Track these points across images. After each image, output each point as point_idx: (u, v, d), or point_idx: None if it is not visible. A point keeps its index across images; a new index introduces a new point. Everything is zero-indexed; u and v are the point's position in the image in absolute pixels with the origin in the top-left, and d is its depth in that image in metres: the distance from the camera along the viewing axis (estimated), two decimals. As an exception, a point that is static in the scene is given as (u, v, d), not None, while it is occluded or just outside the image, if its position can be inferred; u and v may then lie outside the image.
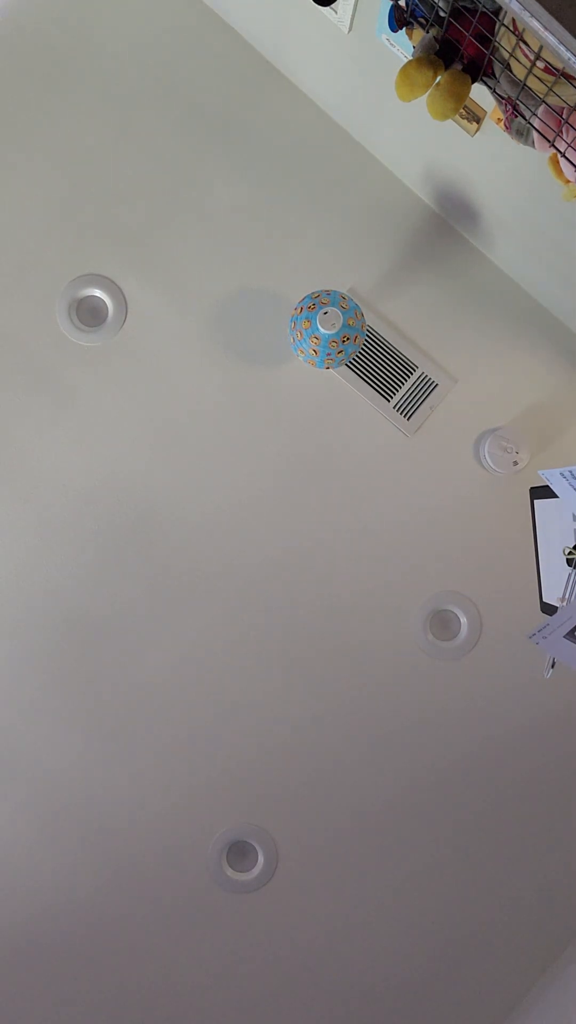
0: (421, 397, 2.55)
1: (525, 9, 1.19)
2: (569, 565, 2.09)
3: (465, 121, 1.97)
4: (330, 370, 2.54)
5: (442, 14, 1.50)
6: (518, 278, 2.54)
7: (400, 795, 2.55)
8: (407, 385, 2.54)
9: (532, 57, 1.38)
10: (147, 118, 2.50)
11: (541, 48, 1.36)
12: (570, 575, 2.06)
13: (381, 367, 2.53)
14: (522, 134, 1.62)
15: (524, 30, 1.36)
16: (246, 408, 2.53)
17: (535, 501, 2.41)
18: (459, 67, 1.55)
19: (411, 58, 1.57)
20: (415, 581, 2.55)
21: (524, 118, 1.52)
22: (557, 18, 1.19)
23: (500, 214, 2.28)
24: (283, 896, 2.53)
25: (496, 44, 1.46)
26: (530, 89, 1.46)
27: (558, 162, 1.59)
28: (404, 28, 1.61)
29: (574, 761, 2.57)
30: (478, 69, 1.54)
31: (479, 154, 2.09)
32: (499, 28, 1.44)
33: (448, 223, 2.56)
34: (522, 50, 1.40)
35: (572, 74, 1.36)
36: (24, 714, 2.49)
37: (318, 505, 2.54)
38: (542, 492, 2.36)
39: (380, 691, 2.54)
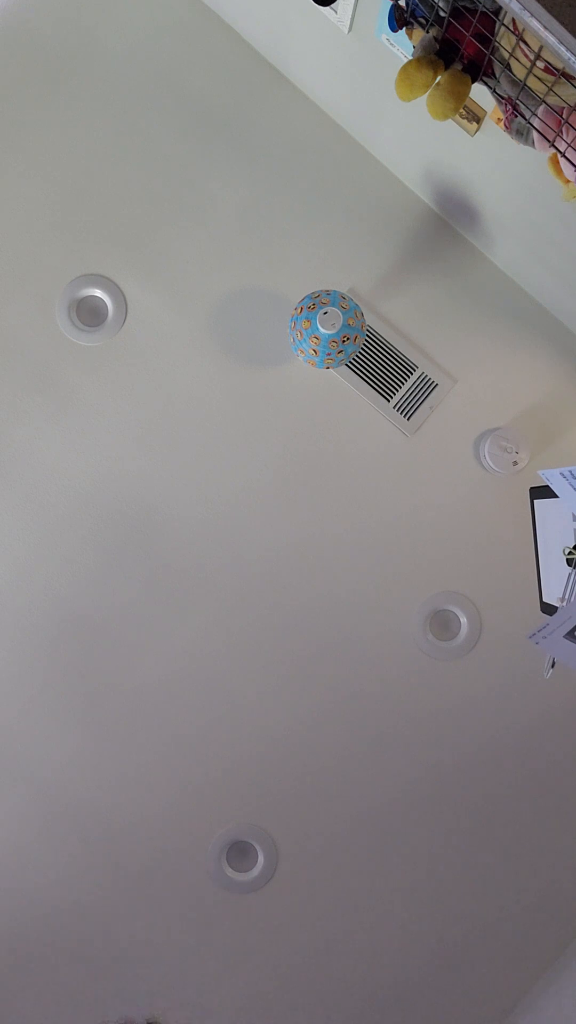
0: (421, 397, 2.55)
1: (525, 9, 1.19)
2: (569, 565, 2.09)
3: (465, 121, 1.97)
4: (330, 370, 2.54)
5: (442, 14, 1.50)
6: (518, 278, 2.54)
7: (400, 795, 2.55)
8: (407, 385, 2.54)
9: (532, 57, 1.38)
10: (147, 118, 2.50)
11: (541, 48, 1.36)
12: (570, 575, 2.06)
13: (381, 367, 2.53)
14: (522, 134, 1.62)
15: (524, 30, 1.36)
16: (246, 408, 2.53)
17: (535, 501, 2.41)
18: (459, 67, 1.55)
19: (411, 58, 1.57)
20: (415, 581, 2.55)
21: (524, 118, 1.52)
22: (557, 18, 1.19)
23: (500, 214, 2.28)
24: (283, 896, 2.53)
25: (496, 44, 1.46)
26: (530, 89, 1.46)
27: (558, 162, 1.59)
28: (404, 28, 1.61)
29: (574, 761, 2.57)
30: (478, 69, 1.54)
31: (479, 154, 2.09)
32: (499, 28, 1.44)
33: (448, 223, 2.56)
34: (522, 50, 1.40)
35: (572, 74, 1.36)
36: (23, 714, 2.49)
37: (318, 505, 2.54)
38: (542, 492, 2.36)
39: (380, 691, 2.54)
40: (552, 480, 1.99)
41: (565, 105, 1.44)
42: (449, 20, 1.49)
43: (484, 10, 1.42)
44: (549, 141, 1.49)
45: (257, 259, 2.53)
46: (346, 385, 2.54)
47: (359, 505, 2.54)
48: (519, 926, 2.57)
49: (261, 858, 2.51)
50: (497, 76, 1.52)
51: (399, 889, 2.55)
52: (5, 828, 2.49)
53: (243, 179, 2.52)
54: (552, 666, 1.97)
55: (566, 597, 2.08)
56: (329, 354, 2.28)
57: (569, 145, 1.46)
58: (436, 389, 2.55)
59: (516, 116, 1.58)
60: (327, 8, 1.99)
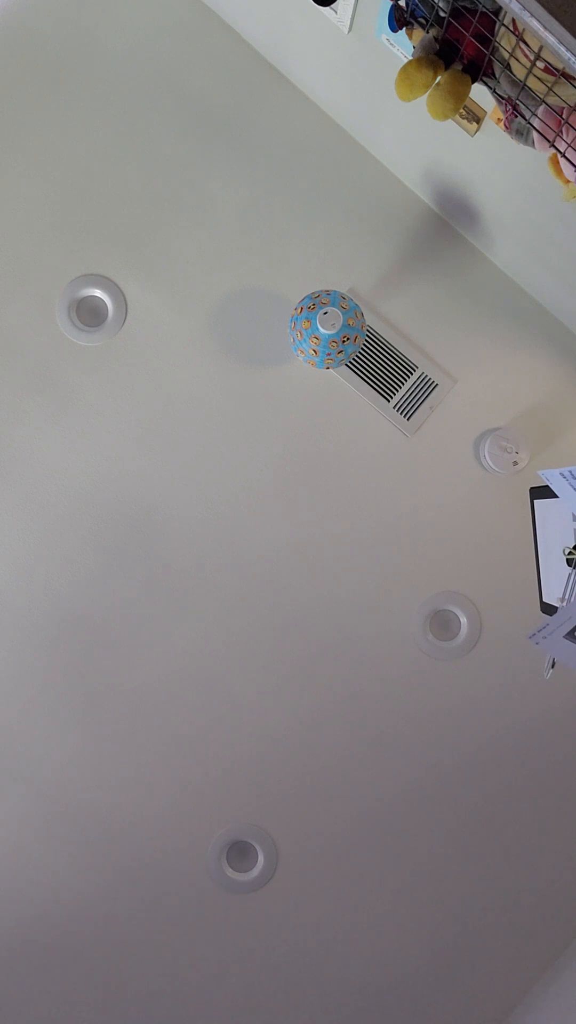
0: (421, 397, 2.55)
1: (525, 9, 1.19)
2: (569, 565, 2.09)
3: (465, 121, 1.97)
4: (330, 370, 2.54)
5: (442, 14, 1.50)
6: (518, 278, 2.54)
7: (400, 795, 2.55)
8: (407, 385, 2.54)
9: (532, 57, 1.38)
10: (147, 118, 2.50)
11: (541, 48, 1.36)
12: (570, 575, 2.06)
13: (381, 367, 2.53)
14: (522, 134, 1.62)
15: (524, 30, 1.36)
16: (246, 408, 2.53)
17: (535, 501, 2.41)
18: (459, 67, 1.55)
19: (411, 58, 1.57)
20: (415, 581, 2.55)
21: (524, 118, 1.52)
22: (557, 18, 1.19)
23: (500, 214, 2.28)
24: (283, 896, 2.53)
25: (496, 44, 1.46)
26: (530, 89, 1.46)
27: (558, 162, 1.59)
28: (404, 28, 1.61)
29: (574, 761, 2.57)
30: (478, 69, 1.54)
31: (479, 154, 2.09)
32: (499, 28, 1.44)
33: (448, 223, 2.56)
34: (522, 50, 1.40)
35: (572, 74, 1.36)
36: (23, 714, 2.49)
37: (318, 505, 2.54)
38: (542, 492, 2.36)
39: (380, 691, 2.54)
40: (552, 480, 1.99)
41: (565, 105, 1.44)
42: (449, 20, 1.49)
43: (484, 10, 1.42)
44: (549, 141, 1.49)
45: (257, 259, 2.53)
46: (346, 385, 2.54)
47: (359, 505, 2.54)
48: (519, 926, 2.57)
49: (261, 858, 2.51)
50: (497, 76, 1.52)
51: (399, 889, 2.55)
52: (5, 828, 2.49)
53: (243, 179, 2.52)
54: (552, 666, 1.97)
55: (566, 597, 2.08)
56: (329, 354, 2.28)
57: (569, 145, 1.46)
58: (436, 389, 2.55)
59: (516, 116, 1.58)
60: (327, 8, 1.99)
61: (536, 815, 2.56)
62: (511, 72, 1.48)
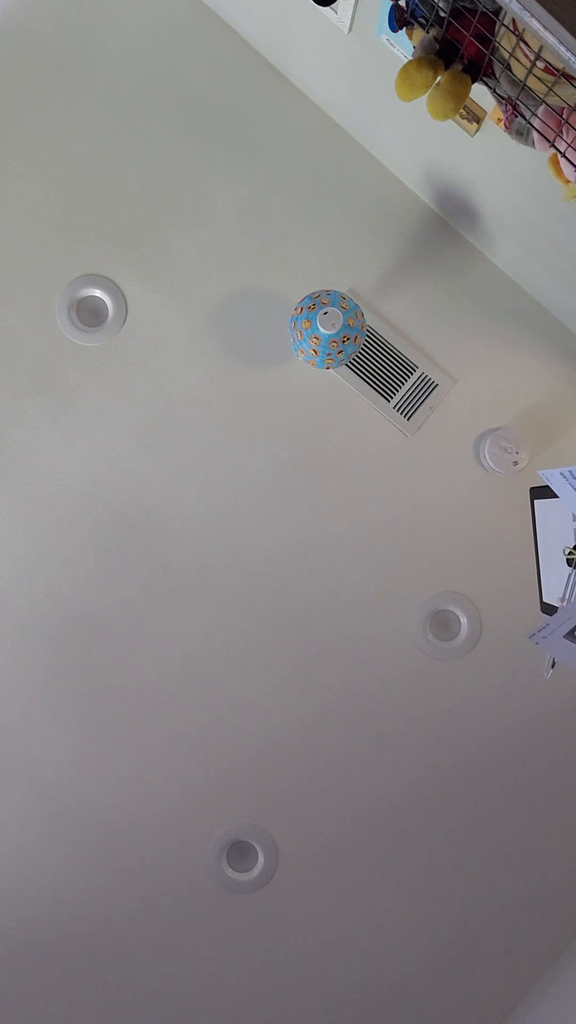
0: (421, 397, 2.55)
1: (525, 9, 1.19)
2: (569, 565, 2.09)
3: (465, 121, 1.97)
4: (330, 370, 2.54)
5: (442, 14, 1.50)
6: (518, 278, 2.54)
7: (400, 795, 2.55)
8: (407, 385, 2.54)
9: (532, 57, 1.38)
10: (147, 118, 2.50)
11: (541, 48, 1.36)
12: (570, 575, 2.06)
13: (381, 367, 2.53)
14: (522, 134, 1.62)
15: (524, 30, 1.36)
16: (246, 408, 2.53)
17: (535, 501, 2.41)
18: (459, 67, 1.55)
19: (411, 58, 1.57)
20: (415, 581, 2.55)
21: (524, 118, 1.52)
22: (557, 18, 1.19)
23: (500, 214, 2.28)
24: (283, 896, 2.53)
25: (496, 44, 1.46)
26: (530, 89, 1.46)
27: (558, 162, 1.59)
28: (404, 28, 1.61)
29: (574, 761, 2.57)
30: (478, 69, 1.54)
31: (479, 154, 2.09)
32: (499, 28, 1.44)
33: (448, 223, 2.56)
34: (522, 50, 1.40)
35: (572, 74, 1.36)
36: (23, 714, 2.49)
37: (318, 505, 2.54)
38: (542, 492, 2.36)
39: (380, 691, 2.54)
40: (552, 480, 1.99)
41: (565, 105, 1.44)
42: (449, 20, 1.49)
43: (484, 10, 1.42)
44: (549, 141, 1.49)
45: (257, 259, 2.53)
46: (346, 385, 2.54)
47: (359, 505, 2.54)
48: (519, 926, 2.57)
49: (261, 858, 2.51)
50: (497, 76, 1.52)
51: (399, 889, 2.55)
52: (5, 828, 2.49)
53: (243, 179, 2.52)
54: (552, 666, 1.97)
55: (566, 597, 2.08)
56: (329, 354, 2.28)
57: (569, 145, 1.46)
58: (436, 389, 2.55)
59: (516, 116, 1.58)
60: (327, 8, 1.99)
61: (536, 815, 2.56)
62: (511, 72, 1.48)
